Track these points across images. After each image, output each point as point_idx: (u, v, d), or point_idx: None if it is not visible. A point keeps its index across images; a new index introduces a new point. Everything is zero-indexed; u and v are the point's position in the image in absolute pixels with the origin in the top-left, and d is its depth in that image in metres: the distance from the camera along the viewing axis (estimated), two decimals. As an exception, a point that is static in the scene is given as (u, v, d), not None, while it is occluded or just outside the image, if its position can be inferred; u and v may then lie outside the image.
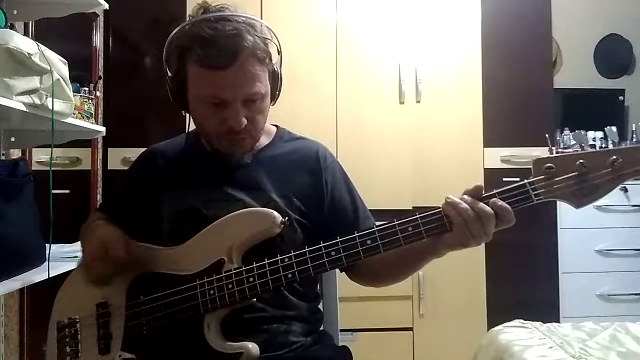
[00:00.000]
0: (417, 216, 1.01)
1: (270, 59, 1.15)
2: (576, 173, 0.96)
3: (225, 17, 1.10)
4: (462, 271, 2.59)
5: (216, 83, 1.09)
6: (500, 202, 0.97)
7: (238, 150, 1.19)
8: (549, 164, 0.97)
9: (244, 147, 1.19)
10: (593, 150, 1.08)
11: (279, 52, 1.19)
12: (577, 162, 0.96)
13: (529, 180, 0.98)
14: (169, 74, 1.17)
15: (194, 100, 1.15)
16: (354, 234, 1.03)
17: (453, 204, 0.99)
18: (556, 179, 0.97)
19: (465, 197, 0.99)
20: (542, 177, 0.98)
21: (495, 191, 1.00)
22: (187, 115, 1.23)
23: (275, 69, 1.17)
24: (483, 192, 0.99)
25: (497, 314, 2.44)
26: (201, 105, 1.14)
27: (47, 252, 1.55)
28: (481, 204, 0.97)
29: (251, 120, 1.13)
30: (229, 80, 1.08)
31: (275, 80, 1.18)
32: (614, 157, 0.95)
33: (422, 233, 1.01)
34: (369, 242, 1.02)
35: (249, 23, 1.11)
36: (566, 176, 0.97)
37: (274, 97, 1.20)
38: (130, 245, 1.13)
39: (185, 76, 1.13)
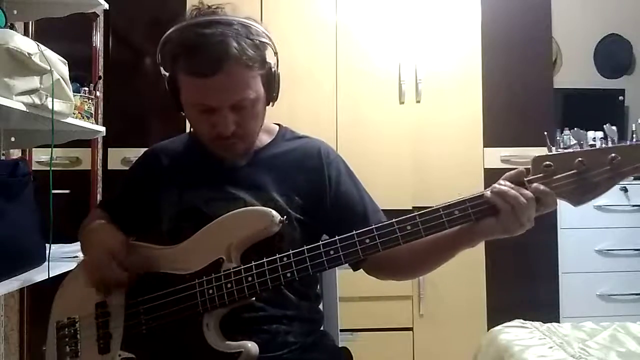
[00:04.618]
0: (416, 214, 1.01)
1: (263, 63, 1.13)
2: (575, 171, 0.96)
3: (216, 20, 1.09)
4: (462, 271, 2.59)
5: (202, 90, 1.09)
6: (543, 187, 0.96)
7: (230, 154, 1.19)
8: (547, 162, 0.97)
9: (236, 151, 1.19)
10: (592, 148, 1.07)
11: (275, 54, 1.17)
12: (576, 160, 0.96)
13: (528, 179, 0.98)
14: (165, 75, 1.17)
15: (185, 105, 1.16)
16: (361, 229, 1.02)
17: (501, 192, 0.97)
18: (555, 177, 0.97)
19: (509, 183, 0.98)
20: (541, 175, 0.97)
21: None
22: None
23: (273, 69, 1.15)
24: (526, 177, 0.98)
25: (497, 314, 2.43)
26: (191, 111, 1.15)
27: (47, 252, 1.55)
28: (525, 191, 0.96)
29: (242, 125, 1.13)
30: (214, 88, 1.08)
31: (271, 82, 1.16)
32: (613, 154, 0.94)
33: (421, 232, 1.01)
34: (367, 241, 1.01)
35: (242, 25, 1.10)
36: (565, 174, 0.96)
37: (272, 99, 1.19)
38: (135, 250, 1.14)
39: (177, 81, 1.13)
